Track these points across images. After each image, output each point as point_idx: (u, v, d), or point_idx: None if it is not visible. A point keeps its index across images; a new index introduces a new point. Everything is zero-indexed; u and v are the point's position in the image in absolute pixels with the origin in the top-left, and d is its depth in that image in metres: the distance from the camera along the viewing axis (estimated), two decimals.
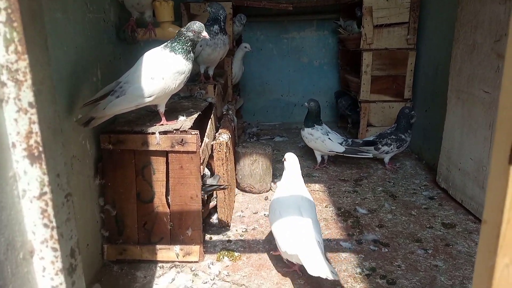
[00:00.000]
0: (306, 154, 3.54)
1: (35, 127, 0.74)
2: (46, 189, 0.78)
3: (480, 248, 0.61)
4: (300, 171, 2.09)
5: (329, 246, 2.12)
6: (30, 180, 0.77)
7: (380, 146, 3.15)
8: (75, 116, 1.74)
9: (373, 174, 3.11)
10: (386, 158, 3.20)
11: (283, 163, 2.13)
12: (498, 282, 0.57)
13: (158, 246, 2.00)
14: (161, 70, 1.84)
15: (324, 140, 3.11)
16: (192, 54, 1.91)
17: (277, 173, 3.15)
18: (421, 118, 3.42)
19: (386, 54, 3.57)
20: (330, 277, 1.57)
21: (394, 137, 3.13)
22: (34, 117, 0.74)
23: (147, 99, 1.85)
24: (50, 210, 0.79)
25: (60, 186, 0.91)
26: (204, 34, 1.91)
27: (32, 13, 0.80)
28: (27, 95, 0.73)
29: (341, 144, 3.11)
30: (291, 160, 2.10)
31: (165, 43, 1.92)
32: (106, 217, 2.00)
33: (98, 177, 1.96)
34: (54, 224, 0.80)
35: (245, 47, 3.68)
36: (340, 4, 4.12)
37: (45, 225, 0.80)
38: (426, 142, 3.34)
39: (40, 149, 0.76)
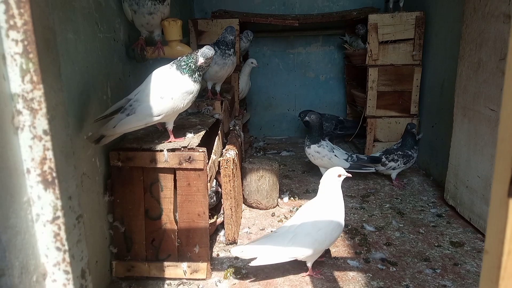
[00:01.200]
0: (312, 169, 3.54)
1: (49, 154, 0.77)
2: (59, 213, 0.81)
3: (483, 277, 0.62)
4: (332, 187, 2.04)
5: (336, 265, 2.11)
6: (44, 205, 0.80)
7: (387, 162, 3.15)
8: (86, 133, 1.78)
9: (380, 190, 3.10)
10: (393, 174, 3.19)
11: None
12: None
13: (165, 263, 2.01)
14: (170, 89, 1.87)
15: (331, 158, 3.10)
16: (197, 75, 1.93)
17: (284, 188, 3.16)
18: (428, 134, 3.42)
19: (392, 70, 3.60)
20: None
21: (400, 153, 3.14)
22: (48, 144, 0.77)
23: (156, 118, 1.89)
24: (62, 233, 0.81)
25: (72, 208, 0.93)
26: (200, 60, 1.91)
27: (46, 42, 0.84)
28: (42, 123, 0.76)
29: (346, 160, 3.12)
30: (326, 175, 2.07)
31: (172, 62, 1.96)
32: (115, 234, 2.02)
33: (107, 193, 1.98)
34: (66, 247, 0.82)
35: (252, 63, 3.73)
36: (346, 20, 4.17)
37: (58, 248, 0.82)
38: (433, 158, 3.33)
39: (54, 174, 0.78)
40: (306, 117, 3.21)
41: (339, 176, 2.03)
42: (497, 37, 2.21)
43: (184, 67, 1.90)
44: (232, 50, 2.68)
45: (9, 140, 0.74)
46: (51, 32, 0.86)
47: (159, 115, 1.89)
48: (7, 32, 0.71)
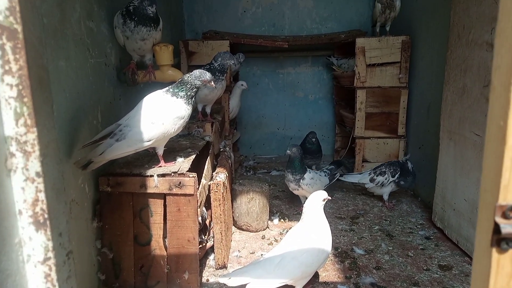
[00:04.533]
0: None
1: (42, 195, 0.77)
2: (50, 254, 0.80)
3: None
4: (316, 210, 2.06)
5: None
6: (35, 246, 0.79)
7: (374, 177, 3.17)
8: (75, 159, 1.76)
9: (369, 212, 3.13)
10: (385, 195, 3.20)
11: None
12: None
13: None
14: (161, 115, 1.88)
15: (321, 178, 3.11)
16: (193, 100, 1.97)
17: (274, 210, 3.16)
18: (415, 155, 3.47)
19: (379, 92, 3.67)
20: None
21: (392, 168, 3.16)
22: (41, 186, 0.77)
23: (146, 143, 1.89)
24: (53, 274, 0.81)
25: (62, 245, 0.93)
26: (212, 83, 2.01)
27: (40, 81, 0.85)
28: (35, 165, 0.76)
29: (327, 176, 3.18)
30: (311, 199, 2.10)
31: (167, 88, 1.97)
32: (103, 260, 1.99)
33: (96, 219, 1.96)
34: (57, 287, 0.82)
35: (242, 85, 3.77)
36: (334, 43, 4.25)
37: None
38: (421, 179, 3.37)
39: (46, 216, 0.78)
40: (287, 151, 3.07)
41: (324, 200, 2.06)
42: (480, 64, 2.28)
43: (181, 94, 1.92)
44: (224, 75, 2.73)
45: (2, 182, 0.74)
46: (44, 70, 0.87)
47: (149, 141, 1.89)
48: (2, 76, 0.72)
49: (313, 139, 3.78)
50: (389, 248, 2.54)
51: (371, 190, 3.26)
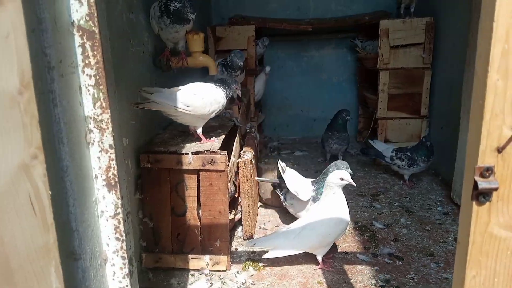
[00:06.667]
0: None
1: (113, 163, 0.97)
2: (119, 210, 1.00)
3: (456, 262, 0.79)
4: (334, 190, 2.18)
5: (346, 259, 2.28)
6: (107, 203, 0.99)
7: (394, 158, 3.26)
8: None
9: (390, 189, 3.25)
10: (406, 176, 3.31)
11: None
12: None
13: (190, 256, 2.21)
14: (203, 91, 2.17)
15: None
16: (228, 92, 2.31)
17: None
18: (437, 134, 3.55)
19: (403, 73, 3.72)
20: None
21: (409, 154, 3.24)
22: (113, 156, 0.96)
23: (185, 107, 2.07)
24: (121, 226, 1.01)
25: (123, 205, 1.14)
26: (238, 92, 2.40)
27: (108, 71, 1.04)
28: (108, 139, 0.96)
29: None
30: (329, 177, 2.22)
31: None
32: (144, 229, 2.23)
33: (138, 192, 2.19)
34: (124, 237, 1.02)
35: (266, 71, 3.95)
36: (358, 25, 4.30)
37: (117, 239, 1.02)
38: (442, 158, 3.46)
39: (116, 179, 0.98)
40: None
41: (341, 179, 2.18)
42: None
43: (222, 87, 2.27)
44: (239, 71, 2.94)
45: (83, 153, 0.94)
46: (110, 63, 1.06)
47: (188, 106, 2.08)
48: (83, 69, 0.91)
49: (348, 117, 3.72)
50: (408, 222, 2.68)
51: (394, 168, 3.36)
